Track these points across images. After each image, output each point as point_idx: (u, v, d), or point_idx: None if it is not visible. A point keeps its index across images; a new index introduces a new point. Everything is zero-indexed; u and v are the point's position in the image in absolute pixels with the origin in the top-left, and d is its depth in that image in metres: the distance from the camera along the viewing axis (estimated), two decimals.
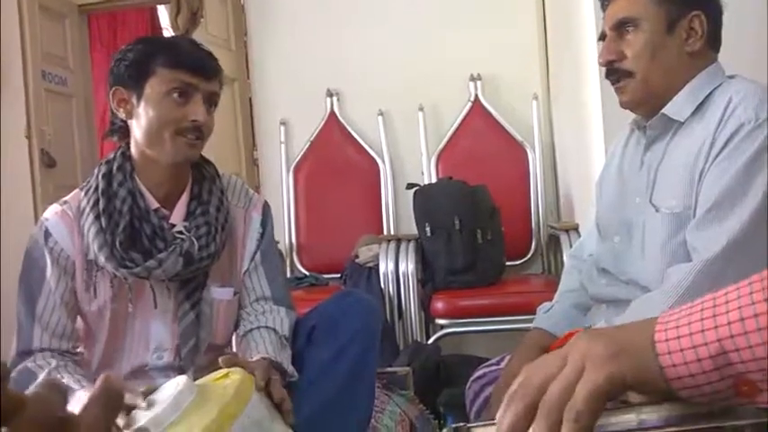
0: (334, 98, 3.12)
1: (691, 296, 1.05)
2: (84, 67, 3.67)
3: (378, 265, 2.51)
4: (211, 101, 1.36)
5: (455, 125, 2.96)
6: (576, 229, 2.48)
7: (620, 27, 1.24)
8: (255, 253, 1.45)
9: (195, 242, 1.33)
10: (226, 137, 3.24)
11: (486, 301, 2.41)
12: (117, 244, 1.30)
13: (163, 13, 4.72)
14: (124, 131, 1.38)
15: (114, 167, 1.37)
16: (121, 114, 1.36)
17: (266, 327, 1.38)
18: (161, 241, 1.33)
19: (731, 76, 1.24)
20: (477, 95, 2.96)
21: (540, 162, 2.87)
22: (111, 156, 1.39)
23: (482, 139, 2.93)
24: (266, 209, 1.50)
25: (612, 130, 1.90)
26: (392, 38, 3.08)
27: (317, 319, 1.41)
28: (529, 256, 2.86)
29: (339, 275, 2.76)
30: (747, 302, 0.44)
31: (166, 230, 1.35)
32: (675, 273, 1.10)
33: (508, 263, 2.69)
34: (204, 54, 1.37)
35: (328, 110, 3.12)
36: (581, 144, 2.36)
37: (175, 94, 1.30)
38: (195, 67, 1.32)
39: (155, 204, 1.37)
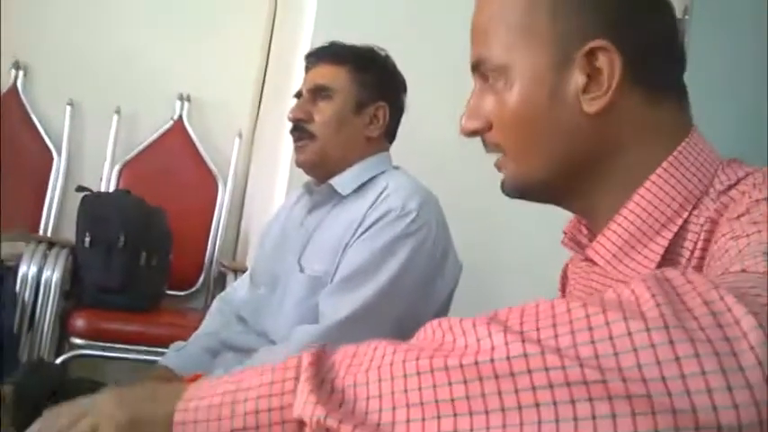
0: (20, 72, 2.75)
1: None
2: None
3: (18, 266, 2.22)
4: None
5: (151, 139, 2.81)
6: (245, 271, 2.49)
7: (317, 92, 1.31)
8: None
9: None
10: None
11: (134, 327, 2.26)
12: None
13: None
14: None
15: None
16: None
17: None
18: None
19: (396, 167, 1.37)
20: (181, 115, 2.86)
21: (228, 199, 2.85)
22: None
23: (176, 160, 2.82)
24: None
25: (298, 185, 1.97)
26: (110, 26, 2.83)
27: None
28: (193, 289, 2.78)
29: None
30: (266, 393, 0.44)
31: None
32: (299, 332, 1.15)
33: (171, 292, 2.59)
34: None
35: (10, 83, 2.73)
36: (268, 192, 2.41)
37: None
38: None
39: None
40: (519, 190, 0.66)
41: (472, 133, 0.67)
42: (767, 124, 1.77)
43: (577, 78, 0.60)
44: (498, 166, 0.68)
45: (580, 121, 0.61)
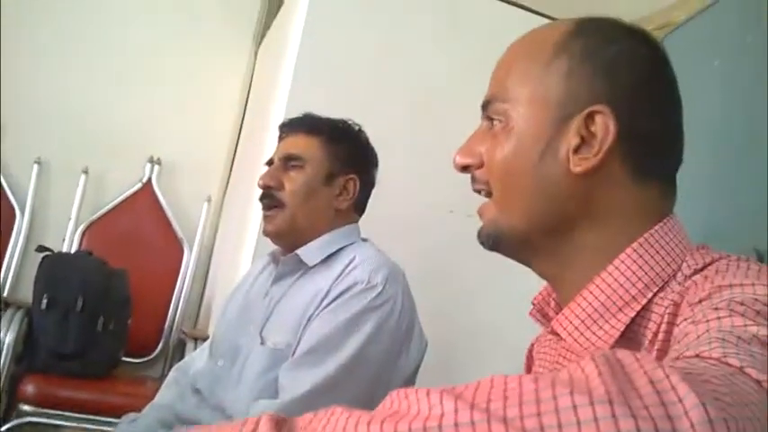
0: None
1: None
2: None
3: None
4: None
5: (117, 200, 2.78)
6: (206, 339, 2.43)
7: (288, 160, 1.32)
8: None
9: None
10: None
11: (87, 395, 2.17)
12: None
13: None
14: None
15: None
16: None
17: None
18: None
19: (364, 239, 1.37)
20: (150, 178, 2.84)
21: (193, 265, 2.81)
22: None
23: (142, 223, 2.79)
24: None
25: (265, 253, 1.95)
26: (82, 85, 2.83)
27: None
28: (151, 356, 2.70)
29: None
30: None
31: None
32: (258, 407, 1.11)
33: (128, 359, 2.51)
34: None
35: None
36: (234, 259, 2.38)
37: None
38: None
39: None
40: (493, 238, 0.67)
41: (463, 169, 0.69)
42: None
43: (571, 139, 0.62)
44: (479, 213, 0.69)
45: (564, 181, 0.63)
